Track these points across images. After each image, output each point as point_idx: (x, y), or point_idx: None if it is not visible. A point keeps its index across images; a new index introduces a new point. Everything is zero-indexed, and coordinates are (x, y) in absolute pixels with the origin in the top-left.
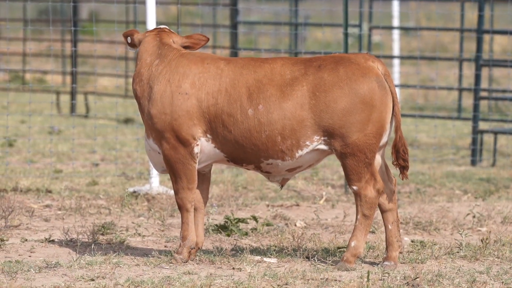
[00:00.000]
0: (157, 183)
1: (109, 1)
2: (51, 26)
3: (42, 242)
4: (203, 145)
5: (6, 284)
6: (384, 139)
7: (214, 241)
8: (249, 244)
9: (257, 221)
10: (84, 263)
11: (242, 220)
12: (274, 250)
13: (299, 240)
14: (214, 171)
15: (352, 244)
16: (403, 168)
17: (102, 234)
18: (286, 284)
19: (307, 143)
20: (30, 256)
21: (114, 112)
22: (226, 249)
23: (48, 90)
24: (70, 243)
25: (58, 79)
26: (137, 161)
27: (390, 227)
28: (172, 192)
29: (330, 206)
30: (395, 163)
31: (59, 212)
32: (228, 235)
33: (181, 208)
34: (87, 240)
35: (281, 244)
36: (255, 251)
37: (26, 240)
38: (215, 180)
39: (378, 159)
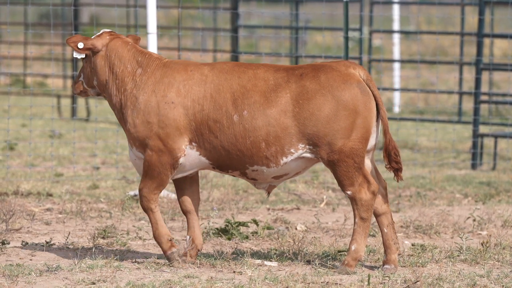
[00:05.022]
0: None
1: (110, 5)
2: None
3: (43, 246)
4: (188, 153)
5: (6, 287)
6: (372, 143)
7: (215, 244)
8: (250, 248)
9: (257, 225)
10: (85, 266)
11: (243, 224)
12: (275, 253)
13: (300, 243)
14: (215, 174)
15: (353, 247)
16: (397, 170)
17: (103, 238)
18: (287, 287)
19: (292, 150)
20: (31, 260)
21: (114, 116)
22: (227, 253)
23: (49, 94)
24: (71, 247)
25: (59, 82)
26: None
27: (385, 230)
28: (173, 195)
29: (331, 210)
30: (388, 166)
31: (60, 215)
32: (229, 239)
33: (147, 209)
34: (88, 243)
35: (282, 248)
36: (256, 254)
37: (27, 243)
38: (216, 183)
39: (367, 163)
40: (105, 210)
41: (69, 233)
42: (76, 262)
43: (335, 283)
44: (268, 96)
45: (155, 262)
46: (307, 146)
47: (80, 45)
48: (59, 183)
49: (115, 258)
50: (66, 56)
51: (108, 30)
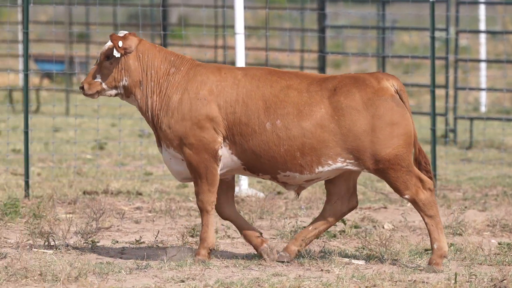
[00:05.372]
0: (246, 185)
1: (198, 5)
2: (141, 30)
3: (133, 244)
4: (221, 151)
5: (97, 285)
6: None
7: None
8: (337, 246)
9: (345, 224)
10: (174, 264)
11: None
12: (362, 252)
13: (387, 242)
14: None
15: (435, 246)
16: (428, 178)
17: (192, 236)
18: (374, 285)
19: (329, 162)
20: (121, 258)
21: None
22: (314, 251)
23: None
24: (160, 245)
25: None
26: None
27: (311, 228)
28: (261, 194)
29: None
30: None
31: (149, 214)
32: (317, 237)
33: (202, 210)
34: (177, 242)
35: (369, 246)
36: (343, 253)
37: (117, 241)
38: None
39: (354, 177)
40: (194, 208)
41: (159, 231)
42: (165, 260)
43: (422, 281)
44: (302, 109)
45: (243, 260)
46: (348, 160)
47: (120, 43)
48: (149, 182)
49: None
50: None
51: (127, 32)
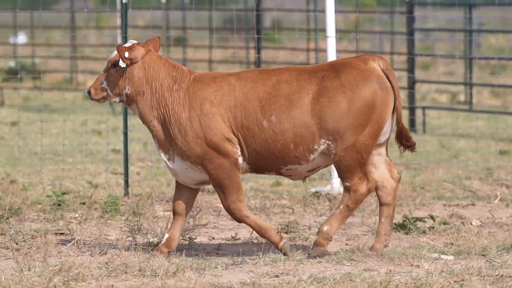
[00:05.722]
0: (338, 183)
1: (290, 9)
2: (236, 34)
3: (229, 240)
4: (240, 158)
5: (194, 280)
6: (386, 135)
7: (393, 239)
8: (427, 242)
9: (434, 220)
10: (268, 260)
11: (420, 219)
12: (451, 247)
13: (475, 238)
14: None
15: (325, 228)
16: (410, 147)
17: (286, 233)
18: (463, 280)
19: (315, 146)
20: (217, 254)
21: None
22: (404, 247)
23: None
24: (255, 241)
25: None
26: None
27: (383, 220)
28: None
29: (505, 206)
30: (400, 147)
31: None
32: (407, 233)
33: (241, 219)
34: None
35: (457, 242)
36: (432, 248)
37: (214, 238)
38: None
39: (383, 153)
40: (288, 206)
41: None
42: (260, 256)
43: (509, 276)
44: (292, 98)
45: (336, 256)
46: (327, 142)
47: (126, 54)
48: (243, 180)
49: (297, 252)
50: (249, 59)
51: (136, 41)
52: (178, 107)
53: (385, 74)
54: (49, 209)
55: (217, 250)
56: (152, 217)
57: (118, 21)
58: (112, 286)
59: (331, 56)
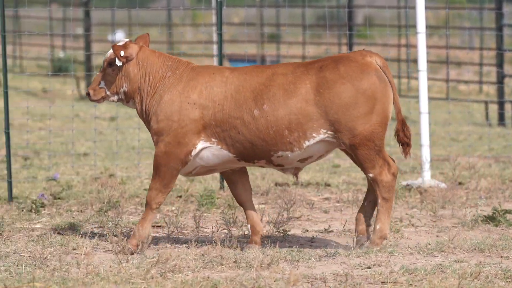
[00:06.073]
0: (428, 177)
1: (381, 6)
2: (328, 30)
3: (322, 233)
4: (212, 150)
5: (288, 272)
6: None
7: (482, 231)
8: None
9: None
10: (361, 252)
11: (509, 211)
12: None
13: None
14: (481, 165)
15: (377, 227)
16: (406, 145)
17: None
18: None
19: (314, 134)
20: (310, 246)
21: None
22: (494, 239)
23: None
24: (348, 233)
25: None
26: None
27: (365, 204)
28: (443, 185)
29: None
30: (398, 140)
31: (337, 204)
32: (496, 225)
33: (147, 204)
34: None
35: None
36: None
37: (307, 230)
38: (483, 173)
39: None
40: None
41: (346, 220)
42: (353, 248)
43: None
44: (287, 88)
45: (427, 247)
46: (329, 132)
47: (122, 53)
48: (336, 174)
49: (389, 244)
50: None
51: (128, 39)
52: (164, 90)
53: (382, 70)
54: None
55: (311, 242)
56: None
57: (214, 19)
58: (208, 277)
59: (422, 51)
